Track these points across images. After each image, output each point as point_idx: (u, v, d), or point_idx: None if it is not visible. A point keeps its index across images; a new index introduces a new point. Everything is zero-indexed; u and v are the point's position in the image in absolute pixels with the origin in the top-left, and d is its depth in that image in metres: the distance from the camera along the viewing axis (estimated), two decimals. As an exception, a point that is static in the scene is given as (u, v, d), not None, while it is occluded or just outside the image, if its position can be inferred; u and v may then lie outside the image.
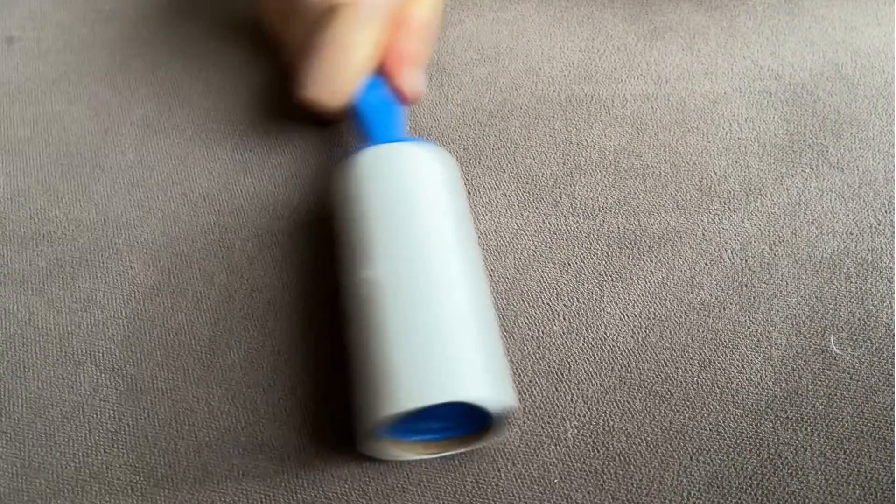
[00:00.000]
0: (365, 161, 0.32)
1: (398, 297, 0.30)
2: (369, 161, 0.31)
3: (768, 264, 0.39)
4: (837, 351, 0.33)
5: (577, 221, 0.41)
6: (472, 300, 0.31)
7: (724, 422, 0.34)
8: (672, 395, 0.35)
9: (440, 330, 0.29)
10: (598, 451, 0.33)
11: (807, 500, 0.32)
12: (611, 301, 0.38)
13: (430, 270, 0.30)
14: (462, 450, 0.33)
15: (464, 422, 0.32)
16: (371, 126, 0.35)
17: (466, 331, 0.30)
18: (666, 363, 0.36)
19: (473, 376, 0.29)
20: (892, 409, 0.34)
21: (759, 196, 0.42)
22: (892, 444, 0.33)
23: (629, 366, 0.36)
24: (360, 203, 0.30)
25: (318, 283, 0.38)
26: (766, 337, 0.36)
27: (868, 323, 0.37)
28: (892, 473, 0.32)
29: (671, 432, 0.34)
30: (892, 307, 0.37)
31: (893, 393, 0.35)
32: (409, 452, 0.32)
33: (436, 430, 0.32)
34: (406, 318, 0.29)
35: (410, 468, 0.33)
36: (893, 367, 0.35)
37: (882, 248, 0.39)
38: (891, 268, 0.39)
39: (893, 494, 0.32)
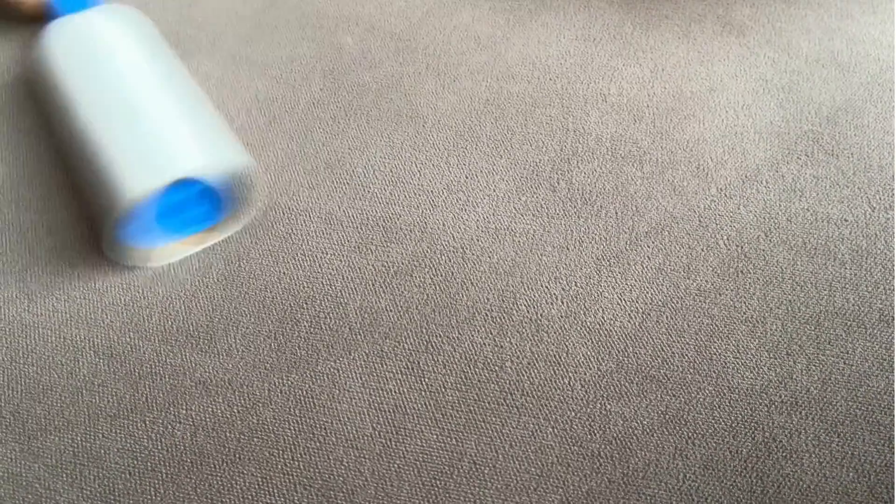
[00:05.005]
0: (57, 33, 0.39)
1: (101, 116, 0.36)
2: (61, 32, 0.39)
3: (763, 251, 0.39)
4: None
5: (576, 206, 0.41)
6: (175, 96, 0.37)
7: (719, 406, 0.34)
8: (668, 379, 0.35)
9: (141, 125, 0.35)
10: (595, 435, 0.33)
11: (801, 483, 0.32)
12: (609, 286, 0.38)
13: (126, 90, 0.37)
14: (225, 232, 0.38)
15: (217, 204, 0.37)
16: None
17: (170, 121, 0.36)
18: (662, 348, 0.36)
19: (185, 154, 0.35)
20: (886, 393, 0.34)
21: (755, 183, 0.42)
22: (886, 426, 0.34)
23: (626, 350, 0.36)
24: (56, 71, 0.38)
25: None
26: (762, 322, 0.37)
27: (862, 308, 0.37)
28: (887, 455, 0.33)
29: (667, 416, 0.34)
30: (887, 293, 0.37)
31: (891, 378, 0.35)
32: (172, 251, 0.38)
33: (197, 219, 0.38)
34: (108, 125, 0.36)
35: (406, 447, 0.33)
36: (891, 353, 0.36)
37: (876, 235, 0.39)
38: (885, 254, 0.39)
39: (892, 478, 0.32)
